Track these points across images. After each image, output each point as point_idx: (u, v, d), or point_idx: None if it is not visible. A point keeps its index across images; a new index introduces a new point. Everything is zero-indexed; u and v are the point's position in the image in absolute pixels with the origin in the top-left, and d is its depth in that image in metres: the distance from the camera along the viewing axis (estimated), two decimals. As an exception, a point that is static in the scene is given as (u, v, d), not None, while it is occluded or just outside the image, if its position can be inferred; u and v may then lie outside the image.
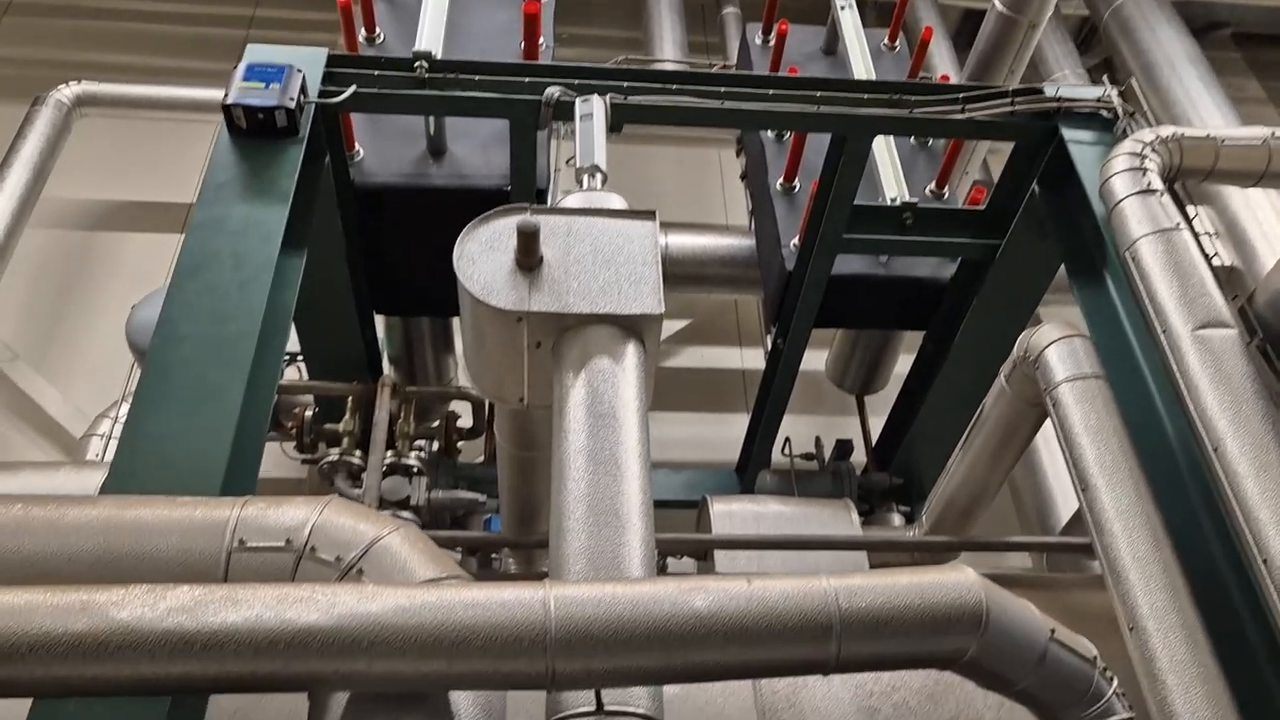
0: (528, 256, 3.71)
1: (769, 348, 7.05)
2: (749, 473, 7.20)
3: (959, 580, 2.70)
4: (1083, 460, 3.99)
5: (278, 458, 6.29)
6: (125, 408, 6.27)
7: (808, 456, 7.22)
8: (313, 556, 2.77)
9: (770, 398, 6.68)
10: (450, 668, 2.46)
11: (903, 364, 7.42)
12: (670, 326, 9.64)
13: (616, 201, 4.16)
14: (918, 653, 2.66)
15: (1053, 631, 2.93)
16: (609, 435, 3.42)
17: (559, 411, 3.58)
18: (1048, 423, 5.25)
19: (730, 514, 5.32)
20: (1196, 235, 4.25)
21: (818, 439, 7.30)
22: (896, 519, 6.88)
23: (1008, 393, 4.67)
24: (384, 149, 5.74)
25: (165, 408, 3.64)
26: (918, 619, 2.61)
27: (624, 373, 3.59)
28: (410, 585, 2.60)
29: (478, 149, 5.83)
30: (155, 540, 2.76)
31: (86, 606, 2.38)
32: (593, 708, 2.94)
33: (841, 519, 5.40)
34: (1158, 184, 4.28)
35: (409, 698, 2.55)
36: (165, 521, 2.80)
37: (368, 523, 2.87)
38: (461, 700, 2.63)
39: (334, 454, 5.65)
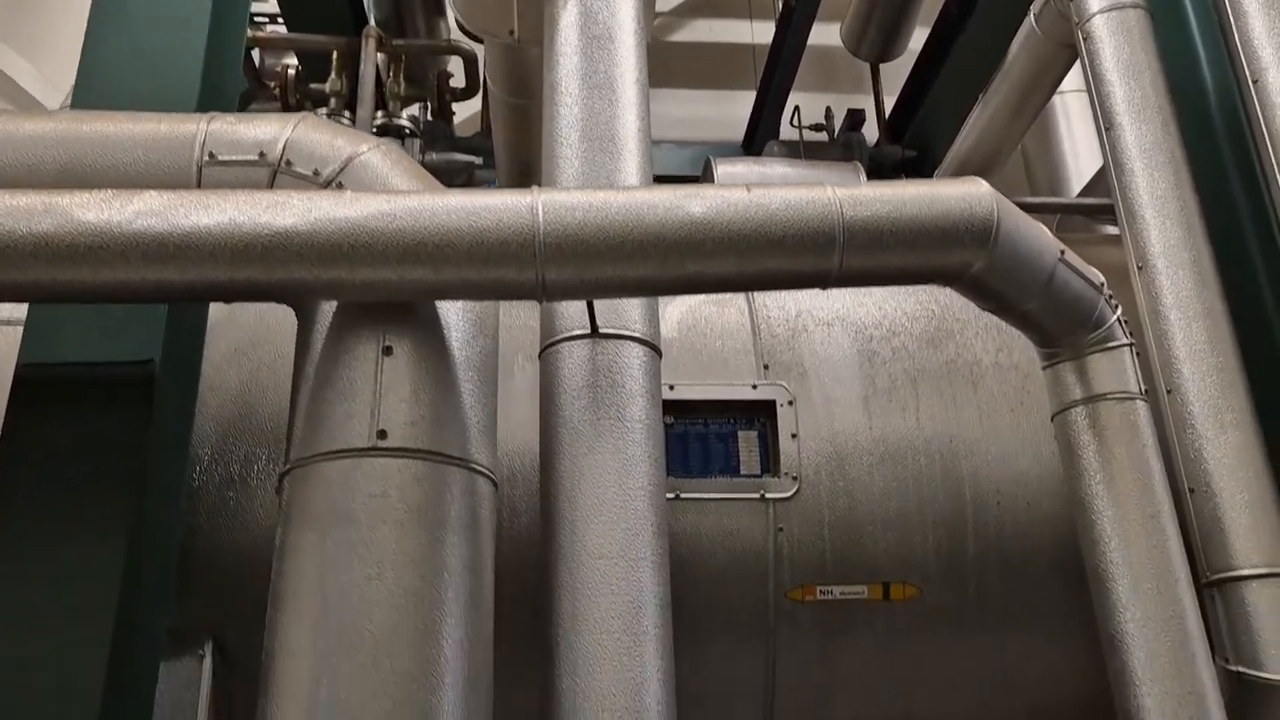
0: None
1: (780, 8, 6.58)
2: (756, 145, 6.94)
3: (970, 191, 2.56)
4: (1110, 98, 3.74)
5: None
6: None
7: (817, 128, 6.92)
8: (289, 171, 2.63)
9: (781, 62, 6.31)
10: (436, 275, 2.38)
11: (917, 39, 6.94)
12: (676, -3, 9.02)
13: None
14: (922, 266, 2.57)
15: (1062, 253, 2.83)
16: (604, 58, 3.18)
17: (550, 36, 3.32)
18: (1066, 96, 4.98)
19: (734, 175, 5.13)
20: None
21: (828, 109, 6.97)
22: (906, 192, 6.68)
23: (1036, 33, 4.35)
24: None
25: (124, 33, 3.37)
26: (924, 229, 2.50)
27: (620, -9, 3.29)
28: (392, 192, 2.47)
29: None
30: (120, 154, 2.60)
31: (50, 208, 2.27)
32: (587, 330, 2.93)
33: (849, 181, 5.19)
34: None
35: (397, 309, 2.49)
36: (129, 135, 2.64)
37: (345, 139, 2.71)
38: (452, 313, 2.58)
39: (321, 114, 5.40)
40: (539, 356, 3.02)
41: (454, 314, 2.60)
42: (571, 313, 2.98)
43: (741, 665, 3.53)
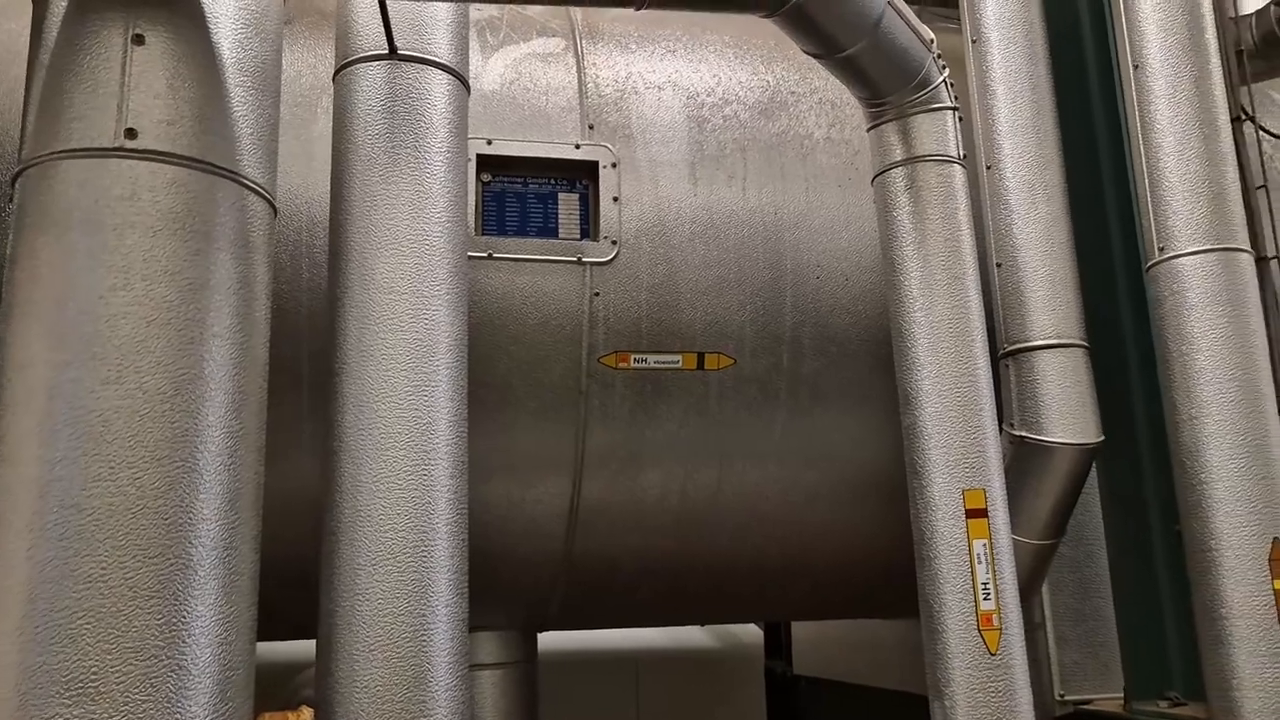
0: None
1: None
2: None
3: (800, -92, 2.37)
4: None
5: None
6: None
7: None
8: None
9: None
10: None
11: None
12: None
13: None
14: (744, -10, 2.39)
15: (893, -2, 2.70)
16: None
17: None
18: None
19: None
20: None
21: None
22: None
23: None
24: None
25: None
26: (748, -56, 2.31)
27: None
28: None
29: None
30: None
31: None
32: (385, 50, 2.66)
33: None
34: None
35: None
36: None
37: None
38: (222, 7, 2.26)
39: None
40: (333, 79, 2.74)
41: (225, 8, 2.28)
42: (370, 33, 2.70)
43: (551, 431, 3.48)
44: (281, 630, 3.49)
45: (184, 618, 1.95)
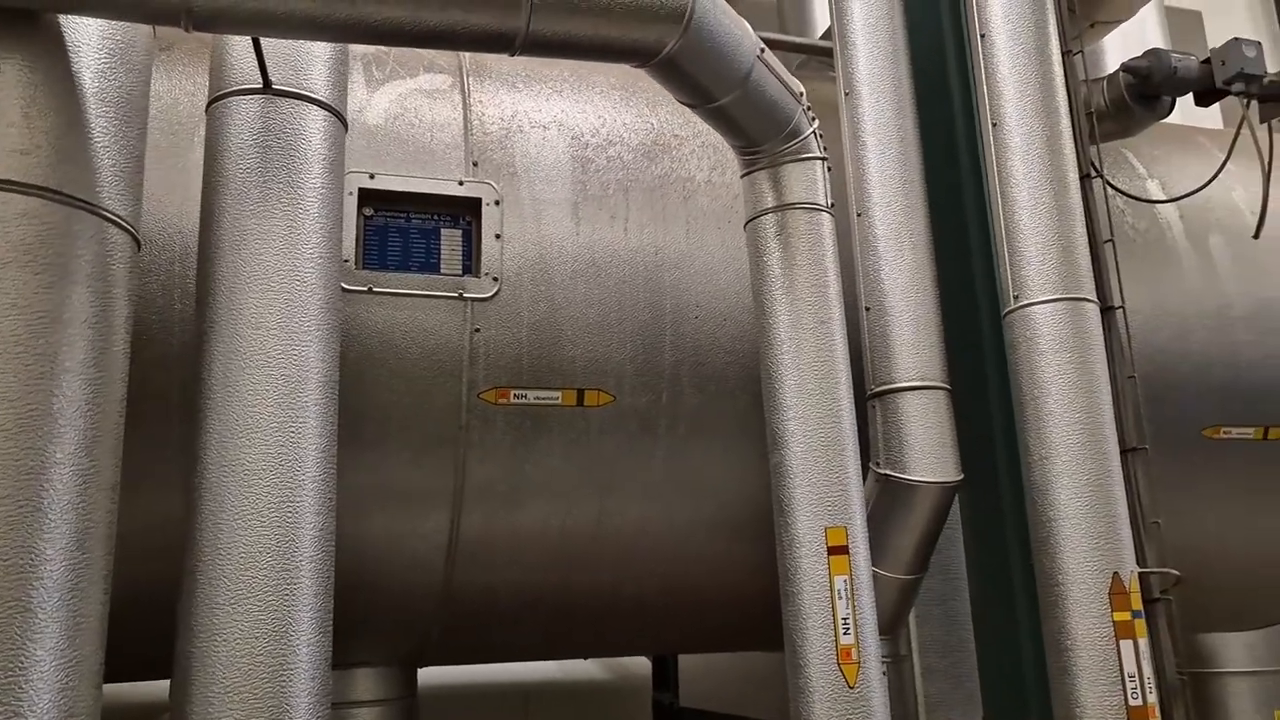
0: None
1: None
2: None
3: (669, -34, 2.46)
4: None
5: None
6: None
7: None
8: None
9: None
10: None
11: None
12: None
13: None
14: (617, 38, 2.45)
15: (762, 51, 2.81)
16: None
17: None
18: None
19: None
20: None
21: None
22: None
23: None
24: None
25: None
26: (618, -2, 2.38)
27: None
28: (-5, -128, 2.07)
29: None
30: None
31: None
32: (260, 85, 2.65)
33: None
34: None
35: (4, 19, 2.12)
36: None
37: None
38: (84, 35, 2.23)
39: None
40: (205, 110, 2.71)
41: (88, 37, 2.25)
42: (244, 66, 2.68)
43: (430, 465, 3.47)
44: (145, 669, 3.39)
45: (20, 663, 1.89)
